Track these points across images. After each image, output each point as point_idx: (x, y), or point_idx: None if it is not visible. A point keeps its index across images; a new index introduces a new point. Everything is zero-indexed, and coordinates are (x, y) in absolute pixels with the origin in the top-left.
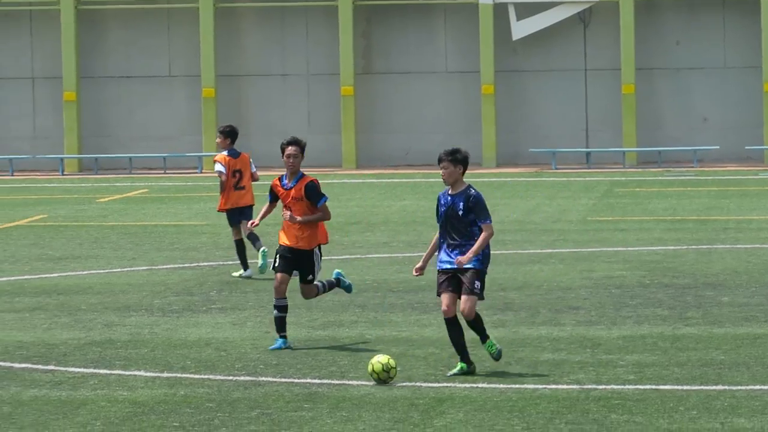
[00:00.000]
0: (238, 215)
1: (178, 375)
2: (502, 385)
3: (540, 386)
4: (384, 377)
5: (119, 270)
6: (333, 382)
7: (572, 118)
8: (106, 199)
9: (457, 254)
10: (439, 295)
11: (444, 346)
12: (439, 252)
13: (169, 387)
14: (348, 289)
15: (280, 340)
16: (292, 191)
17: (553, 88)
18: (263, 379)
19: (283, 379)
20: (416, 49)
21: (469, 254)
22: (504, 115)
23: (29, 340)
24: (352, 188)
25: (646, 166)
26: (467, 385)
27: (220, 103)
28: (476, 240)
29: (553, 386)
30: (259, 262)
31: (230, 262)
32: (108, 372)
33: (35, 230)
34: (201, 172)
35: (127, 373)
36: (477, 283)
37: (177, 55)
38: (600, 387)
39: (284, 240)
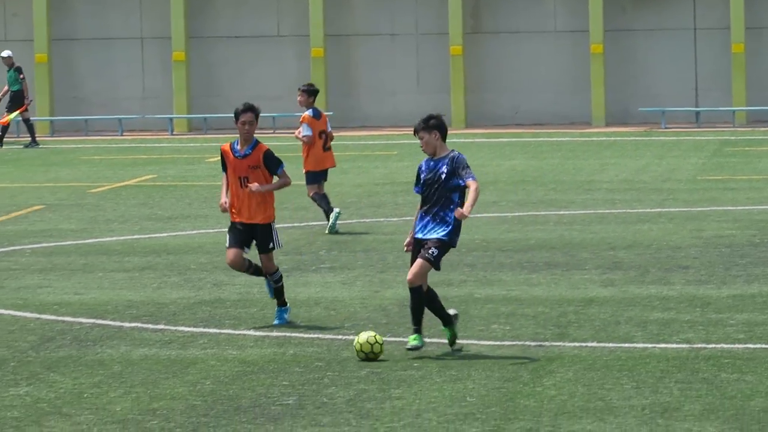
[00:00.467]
0: (321, 176)
1: (288, 334)
2: (611, 344)
3: (649, 345)
4: (369, 353)
5: (224, 230)
6: (442, 341)
7: (682, 77)
8: (216, 159)
9: (432, 224)
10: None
11: (553, 305)
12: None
13: (278, 346)
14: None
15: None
16: (248, 160)
17: (663, 47)
18: None
19: (393, 338)
20: (525, 8)
21: (468, 206)
22: (613, 74)
23: (139, 300)
24: (461, 148)
25: (755, 125)
26: (576, 344)
27: (329, 63)
28: (453, 210)
29: (663, 345)
30: (331, 221)
31: (340, 222)
32: (217, 331)
33: (145, 190)
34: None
35: (236, 332)
36: (434, 251)
37: (286, 15)
38: (710, 346)
39: (238, 216)
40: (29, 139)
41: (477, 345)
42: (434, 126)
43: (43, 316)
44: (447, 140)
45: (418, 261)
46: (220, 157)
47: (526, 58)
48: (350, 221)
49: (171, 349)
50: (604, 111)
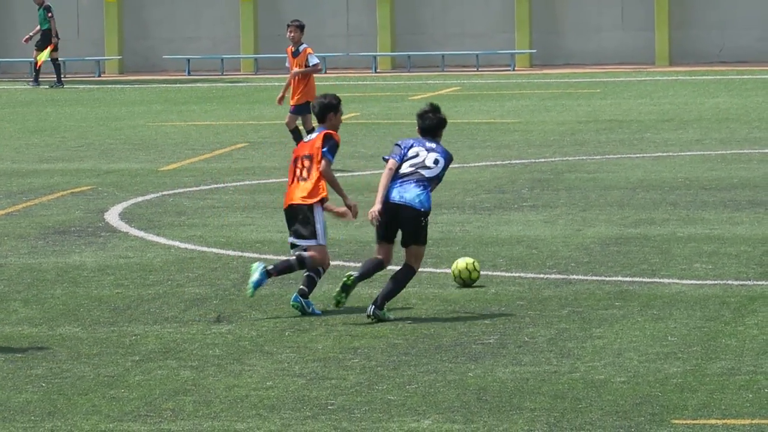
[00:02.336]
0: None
1: (489, 273)
2: None
3: None
4: (466, 278)
5: None
6: (644, 280)
7: None
8: (419, 97)
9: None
10: None
11: (756, 244)
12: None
13: (479, 285)
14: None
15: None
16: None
17: None
18: (574, 277)
19: (594, 277)
20: None
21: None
22: None
23: (341, 238)
24: (664, 85)
25: None
26: None
27: (533, 0)
28: None
29: None
30: None
31: (542, 160)
32: (421, 270)
33: (348, 128)
34: (514, 70)
35: (438, 270)
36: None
37: None
38: None
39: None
40: (54, 78)
41: (679, 284)
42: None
43: (246, 254)
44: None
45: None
46: None
47: None
48: (553, 159)
49: (373, 288)
50: None
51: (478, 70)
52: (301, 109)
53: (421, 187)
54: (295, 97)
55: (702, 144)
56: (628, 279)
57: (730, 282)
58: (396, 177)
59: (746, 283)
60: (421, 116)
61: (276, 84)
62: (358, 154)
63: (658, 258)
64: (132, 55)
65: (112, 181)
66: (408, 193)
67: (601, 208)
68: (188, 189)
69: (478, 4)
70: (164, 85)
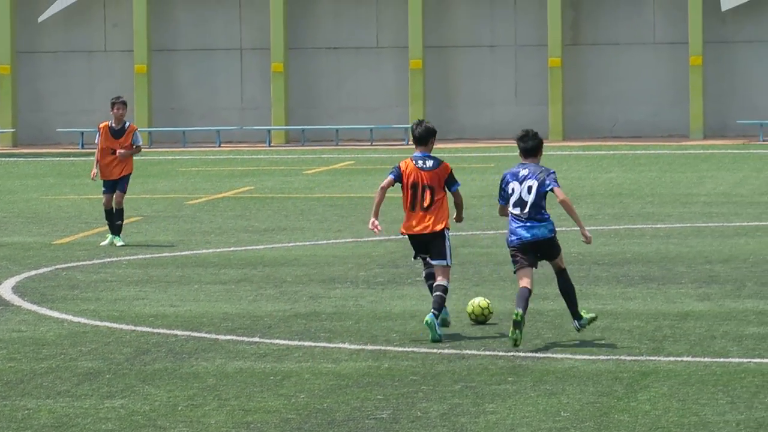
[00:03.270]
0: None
1: (383, 348)
2: (706, 359)
3: (745, 360)
4: (480, 317)
5: (325, 242)
6: (537, 355)
7: None
8: (313, 171)
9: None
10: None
11: (648, 319)
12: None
13: (373, 360)
14: None
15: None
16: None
17: (763, 58)
18: (467, 352)
19: (487, 352)
20: (624, 19)
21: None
22: (712, 86)
23: (235, 312)
24: (558, 160)
25: None
26: (671, 359)
27: (427, 74)
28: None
29: (759, 360)
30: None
31: None
32: (313, 344)
33: (242, 202)
34: (407, 144)
35: (331, 345)
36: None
37: (385, 26)
38: None
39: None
40: None
41: (572, 359)
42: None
43: (139, 328)
44: (545, 152)
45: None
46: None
47: (624, 69)
48: None
49: (266, 362)
50: (702, 123)
51: (372, 144)
52: (124, 185)
53: (539, 219)
54: (120, 174)
55: (595, 219)
56: (521, 354)
57: (622, 357)
58: (514, 217)
59: (639, 358)
60: (522, 139)
61: (170, 157)
62: (252, 228)
63: (551, 333)
64: (26, 127)
65: (5, 254)
66: (537, 230)
67: (494, 283)
68: (82, 263)
69: (372, 78)
70: (58, 159)
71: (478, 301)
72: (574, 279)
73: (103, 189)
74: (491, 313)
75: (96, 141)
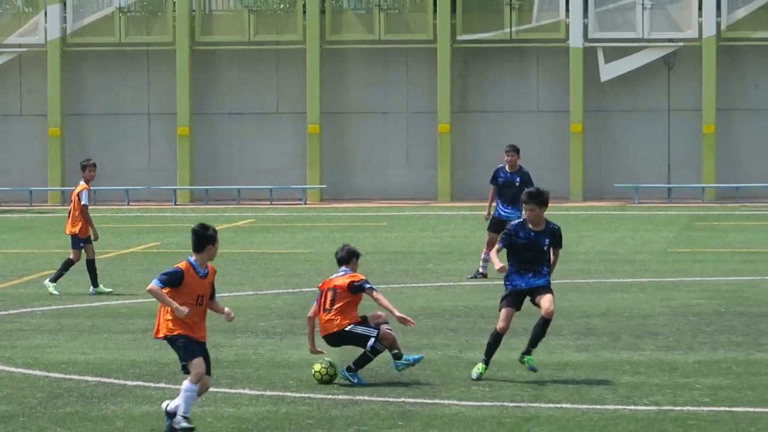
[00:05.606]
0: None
1: (281, 393)
2: (584, 406)
3: (620, 407)
4: (325, 377)
5: (227, 294)
6: (426, 401)
7: (656, 155)
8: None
9: (531, 276)
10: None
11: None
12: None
13: (272, 404)
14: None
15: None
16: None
17: (639, 126)
18: (360, 398)
19: (379, 398)
20: (510, 89)
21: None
22: (591, 151)
23: (142, 360)
24: (446, 220)
25: (724, 201)
26: (551, 405)
27: (324, 138)
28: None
29: (633, 407)
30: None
31: None
32: (215, 390)
33: (149, 257)
34: (305, 204)
35: (232, 391)
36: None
37: (284, 93)
38: (677, 408)
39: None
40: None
41: (458, 405)
42: (544, 202)
43: (52, 374)
44: (432, 213)
45: (549, 296)
46: None
47: (509, 135)
48: None
49: None
50: (582, 186)
51: (271, 204)
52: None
53: (542, 273)
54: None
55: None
56: (411, 399)
57: (505, 403)
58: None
59: (521, 404)
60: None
61: None
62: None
63: (439, 380)
64: None
65: None
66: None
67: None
68: None
69: (272, 142)
70: None
71: (318, 367)
72: (461, 331)
73: (81, 244)
74: (330, 373)
75: (85, 201)
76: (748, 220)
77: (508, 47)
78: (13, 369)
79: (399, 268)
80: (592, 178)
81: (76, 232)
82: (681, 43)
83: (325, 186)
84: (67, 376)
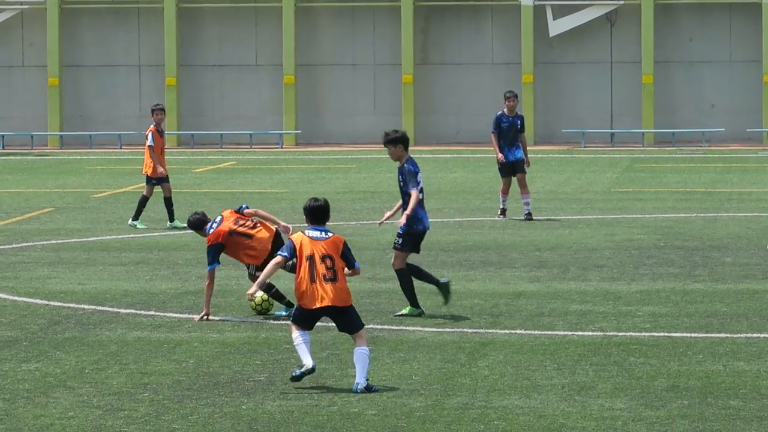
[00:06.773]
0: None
1: (260, 321)
2: (536, 332)
3: (569, 333)
4: (259, 309)
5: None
6: (392, 327)
7: (599, 103)
8: (201, 170)
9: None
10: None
11: (487, 298)
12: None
13: (252, 330)
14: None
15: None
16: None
17: (584, 77)
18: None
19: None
20: (467, 43)
21: (407, 212)
22: (541, 100)
23: (134, 290)
24: None
25: (661, 146)
26: (507, 331)
27: (299, 88)
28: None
29: (580, 333)
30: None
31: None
32: (198, 318)
33: (139, 196)
34: (282, 147)
35: (216, 318)
36: (398, 240)
37: (262, 47)
38: (620, 334)
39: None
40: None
41: (422, 331)
42: (396, 140)
43: (51, 303)
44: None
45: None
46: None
47: (467, 86)
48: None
49: (160, 332)
50: (533, 132)
51: (251, 148)
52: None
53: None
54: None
55: (442, 212)
56: (379, 327)
57: (465, 330)
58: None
59: (479, 331)
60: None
61: (78, 157)
62: (149, 218)
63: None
64: None
65: None
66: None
67: (365, 268)
68: (1, 247)
69: (251, 92)
70: None
71: (259, 295)
72: (424, 264)
73: (154, 182)
74: (266, 306)
75: (151, 142)
76: (684, 162)
77: (465, 5)
78: (16, 298)
79: (367, 206)
80: (542, 124)
81: (148, 172)
82: (622, 2)
83: (299, 131)
84: (66, 305)
